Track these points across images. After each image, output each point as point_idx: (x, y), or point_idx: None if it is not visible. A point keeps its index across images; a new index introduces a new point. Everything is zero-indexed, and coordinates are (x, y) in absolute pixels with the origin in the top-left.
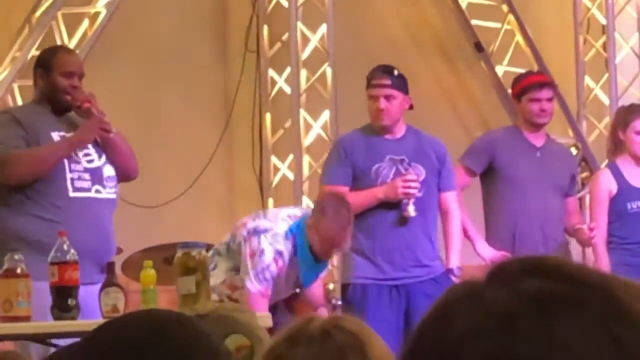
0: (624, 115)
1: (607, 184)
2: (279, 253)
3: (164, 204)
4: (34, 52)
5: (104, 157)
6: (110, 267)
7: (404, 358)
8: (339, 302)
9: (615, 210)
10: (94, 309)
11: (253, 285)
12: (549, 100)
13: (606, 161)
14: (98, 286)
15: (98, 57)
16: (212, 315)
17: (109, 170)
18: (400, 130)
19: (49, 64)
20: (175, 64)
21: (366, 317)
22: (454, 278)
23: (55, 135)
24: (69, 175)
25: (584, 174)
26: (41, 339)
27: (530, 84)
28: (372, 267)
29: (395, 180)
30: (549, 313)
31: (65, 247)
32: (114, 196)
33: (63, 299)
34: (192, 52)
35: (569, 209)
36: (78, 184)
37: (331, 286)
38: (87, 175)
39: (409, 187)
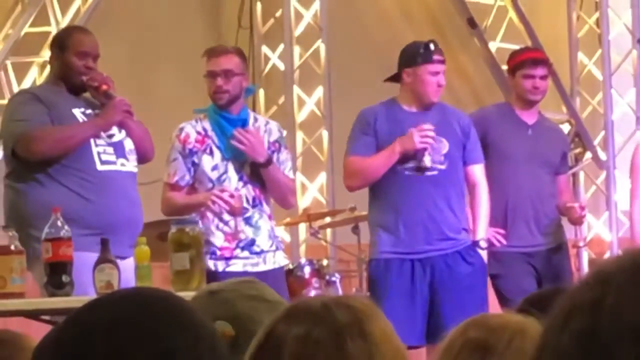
0: None
1: None
2: (180, 129)
3: (158, 180)
4: (27, 29)
5: (123, 131)
6: (104, 243)
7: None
8: (334, 279)
9: None
10: (129, 283)
11: (164, 175)
12: (543, 78)
13: (600, 136)
14: (131, 260)
15: None
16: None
17: (129, 144)
18: None
19: (64, 44)
20: (168, 40)
21: (389, 291)
22: (480, 250)
23: (77, 112)
24: (95, 150)
25: (578, 150)
26: (35, 315)
27: (525, 60)
28: (395, 241)
29: (411, 131)
30: None
31: (59, 223)
32: (136, 170)
33: (57, 276)
34: (186, 29)
35: (560, 187)
36: (104, 157)
37: (325, 262)
38: (110, 150)
39: (426, 137)
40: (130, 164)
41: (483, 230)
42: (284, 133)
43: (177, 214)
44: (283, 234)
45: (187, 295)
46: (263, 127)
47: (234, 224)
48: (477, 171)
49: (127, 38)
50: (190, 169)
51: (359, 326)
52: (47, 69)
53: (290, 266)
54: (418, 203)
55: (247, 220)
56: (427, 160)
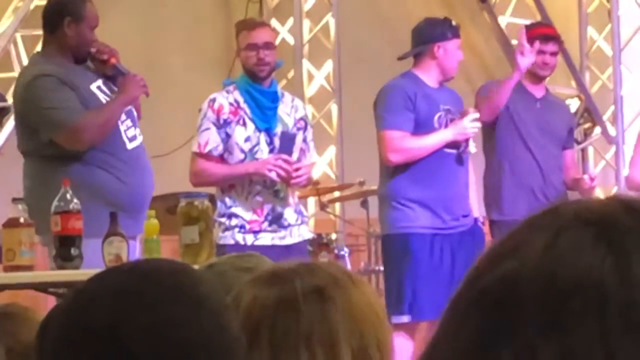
0: None
1: None
2: (212, 99)
3: (167, 154)
4: (37, 2)
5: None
6: (113, 216)
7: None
8: (342, 252)
9: None
10: None
11: (194, 145)
12: (553, 54)
13: (609, 111)
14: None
15: (100, 7)
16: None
17: (134, 110)
18: None
19: (80, 15)
20: (177, 14)
21: (422, 266)
22: (482, 226)
23: (94, 89)
24: (122, 128)
25: (587, 125)
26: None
27: (537, 35)
28: (432, 216)
29: (462, 121)
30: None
31: (68, 196)
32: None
33: (66, 248)
34: (195, 2)
35: (567, 162)
36: (130, 133)
37: (334, 236)
38: (129, 122)
39: (475, 127)
40: (139, 137)
41: (477, 208)
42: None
43: (212, 185)
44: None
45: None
46: (290, 103)
47: (282, 193)
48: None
49: (136, 11)
50: (224, 139)
51: (322, 291)
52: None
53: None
54: (453, 179)
55: (276, 194)
56: (472, 147)
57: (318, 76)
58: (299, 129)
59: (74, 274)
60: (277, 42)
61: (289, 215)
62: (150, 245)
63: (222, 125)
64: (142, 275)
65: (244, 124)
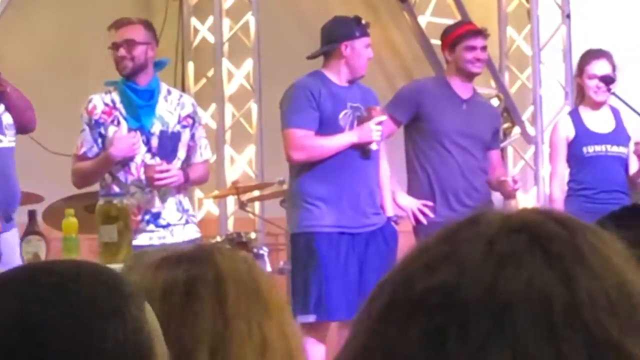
0: (580, 61)
1: (563, 130)
2: (88, 100)
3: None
4: None
5: (2, 106)
6: (31, 215)
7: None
8: (262, 252)
9: (572, 155)
10: (10, 256)
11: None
12: (483, 49)
13: (529, 110)
14: (6, 234)
15: (19, 8)
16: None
17: (7, 118)
18: None
19: None
20: (97, 13)
21: (327, 264)
22: (395, 226)
23: None
24: None
25: (506, 125)
26: None
27: (466, 32)
28: (339, 214)
29: (368, 124)
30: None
31: None
32: (13, 144)
33: None
34: (114, 4)
35: (492, 163)
36: None
37: (253, 235)
38: None
39: (379, 131)
40: (7, 139)
41: (391, 206)
42: (198, 108)
43: (88, 185)
44: (211, 206)
45: (116, 267)
46: (176, 100)
47: (143, 195)
48: (381, 148)
49: (55, 11)
50: (97, 140)
51: (217, 282)
52: None
53: (218, 239)
54: (361, 177)
55: (152, 194)
56: (374, 145)
57: (238, 75)
58: (184, 127)
59: None
60: (197, 40)
61: (169, 214)
62: (69, 243)
63: (94, 125)
64: (32, 276)
65: (118, 124)
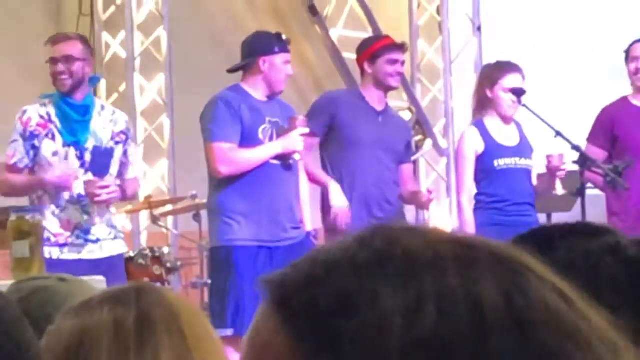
0: (491, 73)
1: (473, 142)
2: (23, 111)
3: None
4: None
5: None
6: None
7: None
8: (174, 266)
9: (482, 169)
10: None
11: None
12: (403, 63)
13: (440, 123)
14: None
15: None
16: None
17: None
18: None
19: None
20: (7, 26)
21: (246, 280)
22: (314, 241)
23: None
24: None
25: (418, 137)
26: None
27: (389, 45)
28: (257, 229)
29: (293, 134)
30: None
31: None
32: None
33: None
34: (26, 15)
35: (404, 176)
36: None
37: (166, 249)
38: None
39: (302, 142)
40: None
41: (310, 221)
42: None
43: (16, 196)
44: (124, 221)
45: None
46: (109, 116)
47: (89, 208)
48: (301, 163)
49: None
50: (29, 152)
51: (148, 325)
52: None
53: (132, 254)
54: (280, 191)
55: (83, 208)
56: (297, 155)
57: (149, 89)
58: (117, 143)
59: None
60: (109, 55)
61: (99, 230)
62: None
63: (28, 137)
64: None
65: (53, 138)
